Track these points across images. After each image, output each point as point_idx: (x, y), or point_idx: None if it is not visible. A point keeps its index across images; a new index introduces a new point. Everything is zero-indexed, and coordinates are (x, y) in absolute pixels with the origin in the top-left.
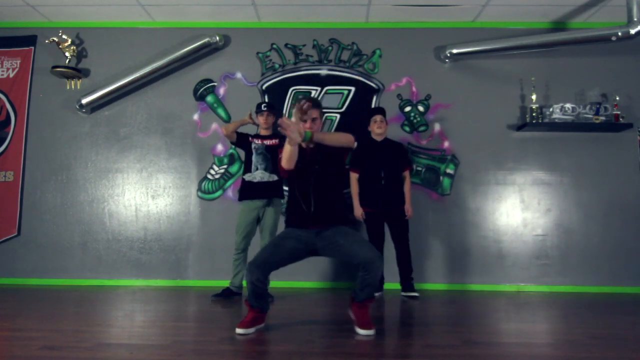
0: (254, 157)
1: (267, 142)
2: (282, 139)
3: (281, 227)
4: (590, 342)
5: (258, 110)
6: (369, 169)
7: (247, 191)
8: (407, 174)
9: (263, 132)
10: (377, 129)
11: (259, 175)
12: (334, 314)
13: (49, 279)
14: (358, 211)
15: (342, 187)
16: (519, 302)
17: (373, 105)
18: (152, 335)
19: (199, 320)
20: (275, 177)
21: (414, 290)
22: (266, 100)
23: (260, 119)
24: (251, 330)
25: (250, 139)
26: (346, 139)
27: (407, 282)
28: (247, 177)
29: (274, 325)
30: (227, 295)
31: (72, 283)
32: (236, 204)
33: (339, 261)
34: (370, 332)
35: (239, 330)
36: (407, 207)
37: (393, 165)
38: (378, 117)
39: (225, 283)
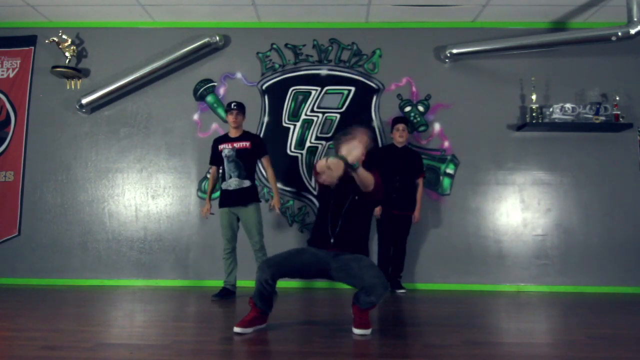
0: (226, 165)
1: (237, 144)
2: (254, 141)
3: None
4: (590, 342)
5: (228, 109)
6: (385, 172)
7: (225, 199)
8: (420, 181)
9: (233, 134)
10: (398, 137)
11: (233, 183)
12: (334, 314)
13: (49, 279)
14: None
15: (370, 220)
16: (519, 302)
17: (373, 105)
18: (152, 335)
19: (199, 320)
20: (248, 183)
21: (402, 287)
22: (267, 101)
23: (230, 118)
24: (249, 330)
25: (219, 147)
26: (369, 182)
27: (394, 280)
28: (224, 185)
29: (274, 325)
30: (223, 295)
31: (72, 283)
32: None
33: (347, 284)
34: (365, 332)
35: (236, 329)
36: (417, 213)
37: (409, 172)
38: (400, 126)
39: None
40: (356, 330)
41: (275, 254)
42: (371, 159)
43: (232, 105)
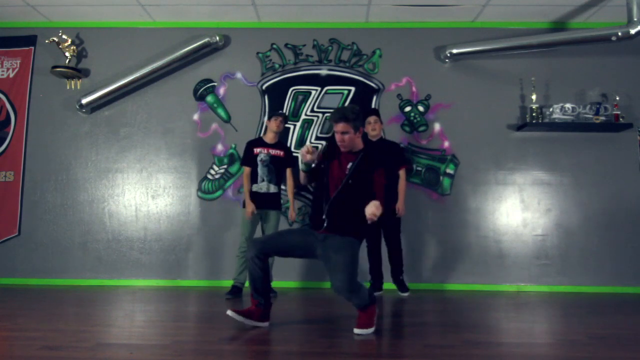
0: (259, 169)
1: (273, 152)
2: (287, 151)
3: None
4: (590, 342)
5: (274, 114)
6: None
7: (253, 200)
8: (402, 172)
9: (270, 139)
10: (371, 131)
11: (264, 186)
12: (334, 314)
13: (49, 279)
14: None
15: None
16: (519, 302)
17: (373, 105)
18: (152, 335)
19: (199, 320)
20: (276, 189)
21: (407, 290)
22: (266, 101)
23: (274, 124)
24: (239, 318)
25: (255, 150)
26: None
27: (398, 282)
28: (254, 187)
29: (274, 325)
30: (236, 293)
31: (72, 283)
32: (236, 203)
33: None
34: (364, 331)
35: (229, 312)
36: (400, 205)
37: (388, 165)
38: (372, 119)
39: (225, 283)
40: (355, 330)
41: (263, 235)
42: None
43: (280, 112)
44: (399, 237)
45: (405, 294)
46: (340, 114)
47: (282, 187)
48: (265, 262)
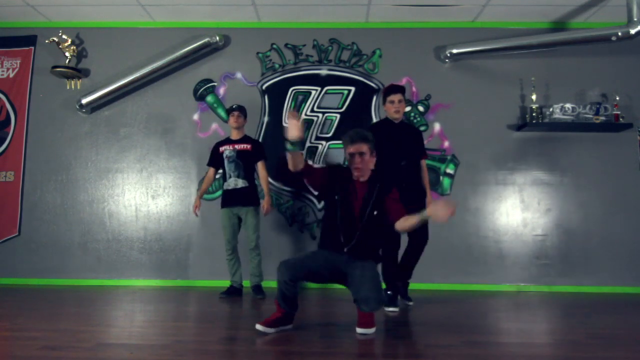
0: (226, 165)
1: (238, 146)
2: (255, 144)
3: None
4: (590, 342)
5: (229, 110)
6: (387, 155)
7: (226, 199)
8: (424, 163)
9: (234, 136)
10: (394, 112)
11: (232, 182)
12: (334, 314)
13: (49, 279)
14: None
15: (383, 242)
16: (519, 302)
17: (373, 105)
18: (152, 335)
19: (199, 320)
20: (246, 183)
21: (409, 300)
22: (267, 101)
23: (231, 120)
24: (271, 330)
25: (220, 149)
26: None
27: (404, 287)
28: (225, 185)
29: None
30: (231, 293)
31: (72, 283)
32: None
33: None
34: (368, 331)
35: (259, 327)
36: (429, 199)
37: (413, 153)
38: (396, 97)
39: (226, 283)
40: (358, 329)
41: (292, 257)
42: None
43: (234, 106)
44: (428, 235)
45: (411, 303)
46: (359, 135)
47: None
48: (297, 286)
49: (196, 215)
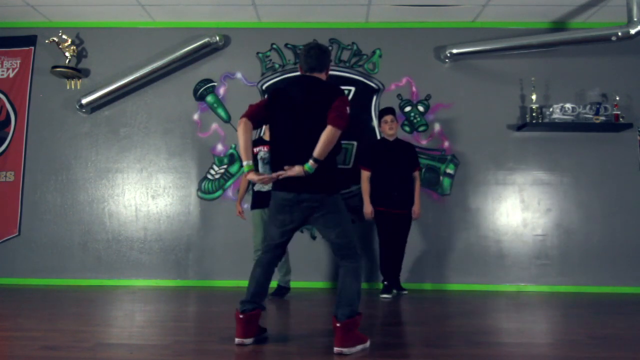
0: (260, 167)
1: None
2: None
3: None
4: (590, 342)
5: None
6: (380, 169)
7: (258, 200)
8: (417, 174)
9: (269, 137)
10: (388, 130)
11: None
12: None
13: (49, 279)
14: (368, 209)
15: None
16: (519, 302)
17: (373, 105)
18: (152, 335)
19: (199, 320)
20: None
21: (402, 289)
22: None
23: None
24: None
25: (255, 150)
26: (334, 136)
27: (396, 280)
28: (257, 187)
29: (274, 325)
30: (282, 294)
31: (72, 283)
32: (236, 203)
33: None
34: (347, 350)
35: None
36: (416, 208)
37: (404, 166)
38: (389, 118)
39: (226, 283)
40: (335, 348)
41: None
42: (364, 157)
43: None
44: (406, 239)
45: (405, 292)
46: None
47: None
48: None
49: (244, 218)
